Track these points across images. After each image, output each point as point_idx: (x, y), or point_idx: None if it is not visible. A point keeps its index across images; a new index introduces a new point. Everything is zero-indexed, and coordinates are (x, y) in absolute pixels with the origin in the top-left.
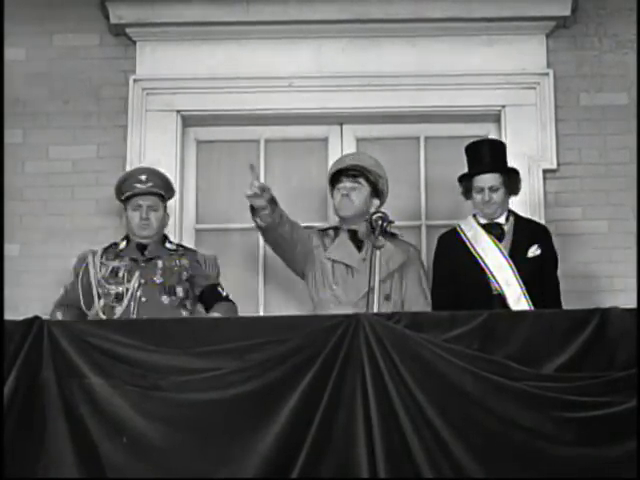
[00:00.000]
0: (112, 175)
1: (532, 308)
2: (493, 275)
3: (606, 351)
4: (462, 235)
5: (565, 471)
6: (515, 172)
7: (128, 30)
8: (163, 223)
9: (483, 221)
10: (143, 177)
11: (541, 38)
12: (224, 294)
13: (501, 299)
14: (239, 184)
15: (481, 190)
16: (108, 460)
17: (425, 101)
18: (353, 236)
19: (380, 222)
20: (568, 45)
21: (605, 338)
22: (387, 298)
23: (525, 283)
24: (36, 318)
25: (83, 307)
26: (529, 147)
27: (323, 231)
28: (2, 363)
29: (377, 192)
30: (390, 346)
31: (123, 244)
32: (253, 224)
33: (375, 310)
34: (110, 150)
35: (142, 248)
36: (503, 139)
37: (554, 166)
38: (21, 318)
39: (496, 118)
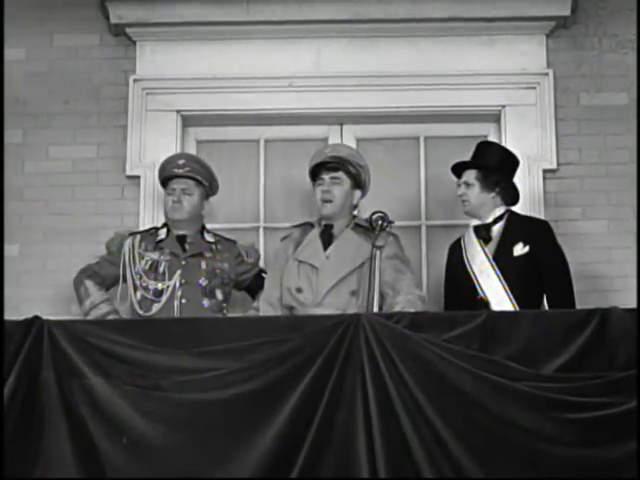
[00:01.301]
0: (112, 175)
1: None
2: (477, 280)
3: (606, 351)
4: (462, 243)
5: (565, 471)
6: (500, 173)
7: (128, 30)
8: (198, 209)
9: (474, 223)
10: (180, 162)
11: (541, 38)
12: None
13: (485, 303)
14: (239, 184)
15: (459, 185)
16: (108, 460)
17: (425, 101)
18: (327, 231)
19: (380, 222)
20: (568, 45)
21: (605, 338)
22: (353, 294)
23: (513, 283)
24: (36, 318)
25: (118, 297)
26: (529, 147)
27: (296, 227)
28: (2, 363)
29: (358, 184)
30: (390, 346)
31: (163, 233)
32: (253, 224)
33: (376, 309)
34: (110, 150)
35: (182, 241)
36: (503, 139)
37: (554, 166)
38: (21, 318)
39: (496, 118)
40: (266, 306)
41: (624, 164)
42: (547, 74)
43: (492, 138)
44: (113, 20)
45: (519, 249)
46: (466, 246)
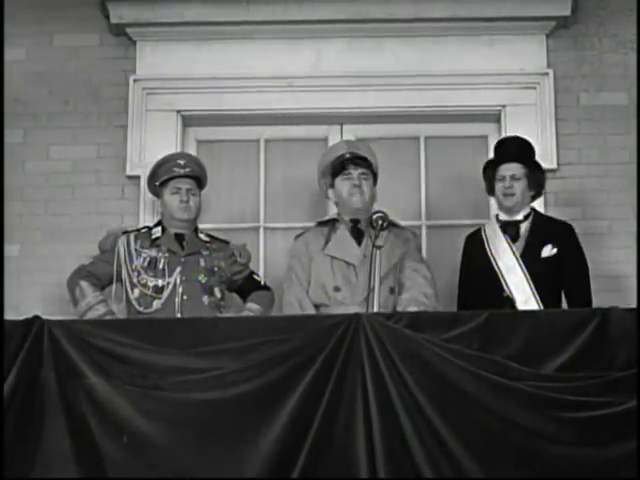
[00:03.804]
0: (112, 175)
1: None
2: (504, 278)
3: (606, 351)
4: (483, 236)
5: (565, 471)
6: (541, 171)
7: (128, 30)
8: (200, 209)
9: (503, 217)
10: (182, 161)
11: (541, 38)
12: (262, 282)
13: (511, 302)
14: (239, 184)
15: (503, 179)
16: (108, 459)
17: (425, 101)
18: (354, 227)
19: (380, 222)
20: (568, 45)
21: (605, 338)
22: (392, 291)
23: (539, 284)
24: (36, 318)
25: (113, 297)
26: None
27: (321, 224)
28: (2, 363)
29: (375, 180)
30: (390, 346)
31: (158, 231)
32: (253, 224)
33: (376, 309)
34: (110, 150)
35: (180, 239)
36: None
37: (554, 166)
38: (21, 318)
39: (496, 118)
40: (295, 303)
41: (624, 164)
42: (547, 74)
43: (492, 138)
44: (113, 20)
45: (548, 250)
46: (489, 240)
